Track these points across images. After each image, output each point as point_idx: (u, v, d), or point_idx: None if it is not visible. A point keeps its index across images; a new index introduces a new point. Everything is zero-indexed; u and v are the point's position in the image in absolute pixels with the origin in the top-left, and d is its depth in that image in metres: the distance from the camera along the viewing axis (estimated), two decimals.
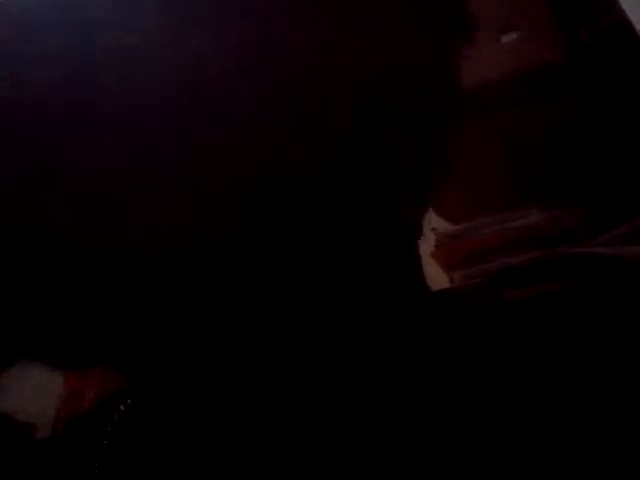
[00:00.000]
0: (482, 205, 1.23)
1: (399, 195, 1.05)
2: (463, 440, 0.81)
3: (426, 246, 1.26)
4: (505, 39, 1.22)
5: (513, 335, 1.14)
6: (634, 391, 0.92)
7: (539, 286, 1.23)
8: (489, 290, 1.24)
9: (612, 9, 1.05)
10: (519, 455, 0.87)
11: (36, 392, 0.96)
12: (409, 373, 0.72)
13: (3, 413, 0.83)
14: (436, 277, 1.27)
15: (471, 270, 1.25)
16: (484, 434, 0.85)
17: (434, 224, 1.25)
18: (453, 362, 0.97)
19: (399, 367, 0.72)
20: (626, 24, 1.04)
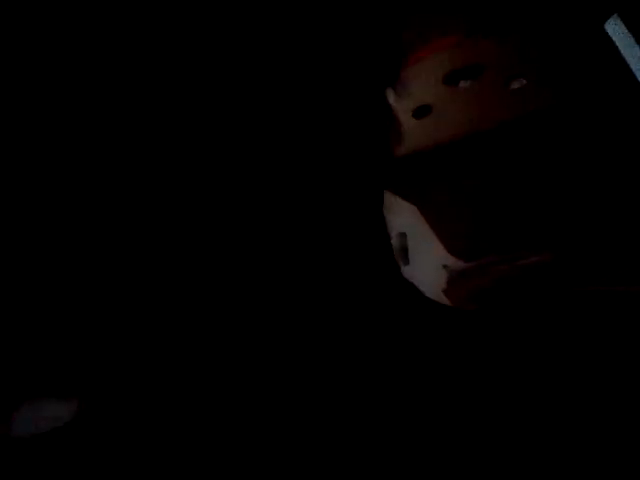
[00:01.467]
0: (492, 243, 1.27)
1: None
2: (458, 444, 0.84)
3: (438, 283, 1.30)
4: (515, 85, 1.28)
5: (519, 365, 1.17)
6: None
7: (549, 322, 1.26)
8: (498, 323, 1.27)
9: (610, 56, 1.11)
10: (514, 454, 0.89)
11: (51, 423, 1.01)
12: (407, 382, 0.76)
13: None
14: (447, 312, 1.31)
15: (482, 306, 1.29)
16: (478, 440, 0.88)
17: (446, 261, 1.29)
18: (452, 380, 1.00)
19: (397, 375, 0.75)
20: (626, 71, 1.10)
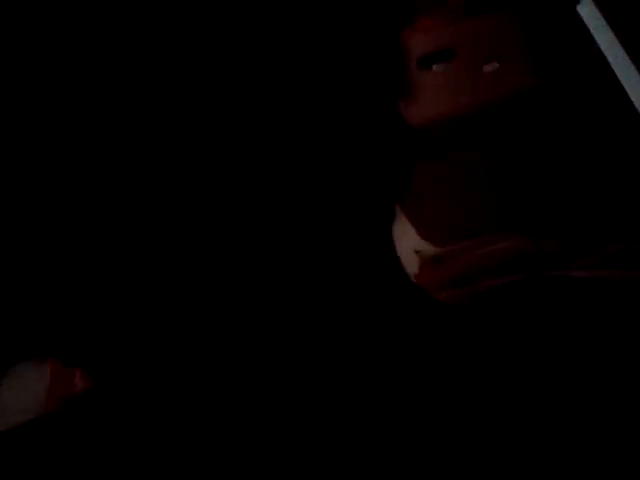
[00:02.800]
0: (465, 229, 1.26)
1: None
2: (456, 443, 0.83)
3: (411, 269, 1.29)
4: (487, 68, 1.27)
5: (496, 352, 1.17)
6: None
7: (521, 307, 1.25)
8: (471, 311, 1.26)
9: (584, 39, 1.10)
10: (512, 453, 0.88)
11: (24, 382, 1.02)
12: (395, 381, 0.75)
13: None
14: (420, 299, 1.30)
15: (455, 292, 1.28)
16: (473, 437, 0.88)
17: (418, 247, 1.28)
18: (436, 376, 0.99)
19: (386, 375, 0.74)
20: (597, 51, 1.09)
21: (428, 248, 1.30)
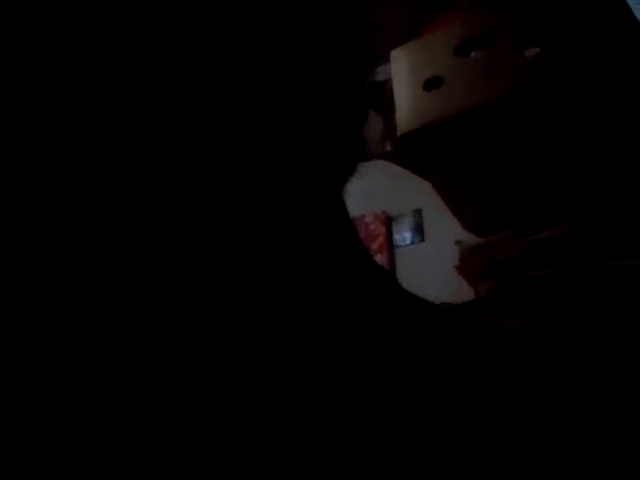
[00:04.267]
0: (506, 219, 1.24)
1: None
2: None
3: (451, 259, 1.28)
4: (528, 53, 1.23)
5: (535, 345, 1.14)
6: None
7: (562, 297, 1.22)
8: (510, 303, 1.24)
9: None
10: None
11: None
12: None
13: None
14: (461, 290, 1.29)
15: (496, 282, 1.26)
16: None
17: (459, 237, 1.27)
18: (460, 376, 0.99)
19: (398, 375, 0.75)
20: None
21: (470, 238, 1.29)
